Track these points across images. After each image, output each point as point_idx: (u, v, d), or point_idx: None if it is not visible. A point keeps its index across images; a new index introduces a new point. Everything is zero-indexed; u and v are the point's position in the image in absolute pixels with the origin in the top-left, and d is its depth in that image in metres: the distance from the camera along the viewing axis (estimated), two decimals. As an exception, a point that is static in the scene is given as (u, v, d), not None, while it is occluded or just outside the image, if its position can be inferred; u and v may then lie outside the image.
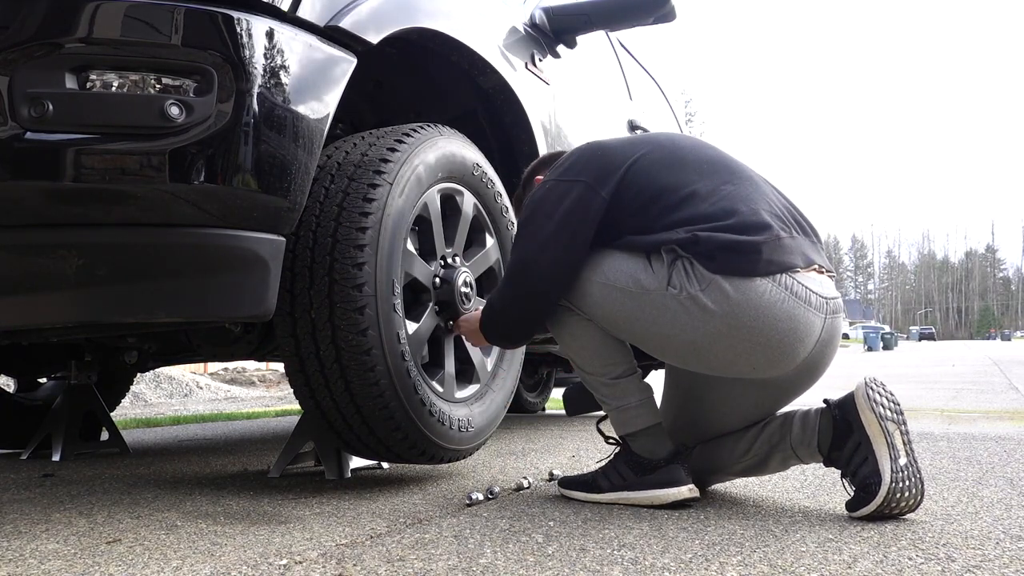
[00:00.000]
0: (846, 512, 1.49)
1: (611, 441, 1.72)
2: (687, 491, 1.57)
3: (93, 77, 1.32)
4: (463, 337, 1.91)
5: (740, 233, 1.45)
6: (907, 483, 1.43)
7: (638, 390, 1.63)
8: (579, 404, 1.81)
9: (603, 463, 1.72)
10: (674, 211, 1.52)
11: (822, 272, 1.55)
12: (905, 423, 1.49)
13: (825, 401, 1.59)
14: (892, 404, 1.50)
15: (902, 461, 1.45)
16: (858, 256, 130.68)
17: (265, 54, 1.43)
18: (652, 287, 1.50)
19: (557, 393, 5.93)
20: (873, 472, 1.45)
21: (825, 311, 1.51)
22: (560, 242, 1.55)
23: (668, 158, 1.60)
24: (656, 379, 2.36)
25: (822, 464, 1.58)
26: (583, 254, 1.57)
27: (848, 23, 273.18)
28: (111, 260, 1.37)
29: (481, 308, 1.73)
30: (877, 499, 1.42)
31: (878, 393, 1.50)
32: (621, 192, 1.56)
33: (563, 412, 4.57)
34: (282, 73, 1.47)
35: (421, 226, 1.90)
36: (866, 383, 1.51)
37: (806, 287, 1.48)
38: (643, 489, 1.59)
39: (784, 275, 1.46)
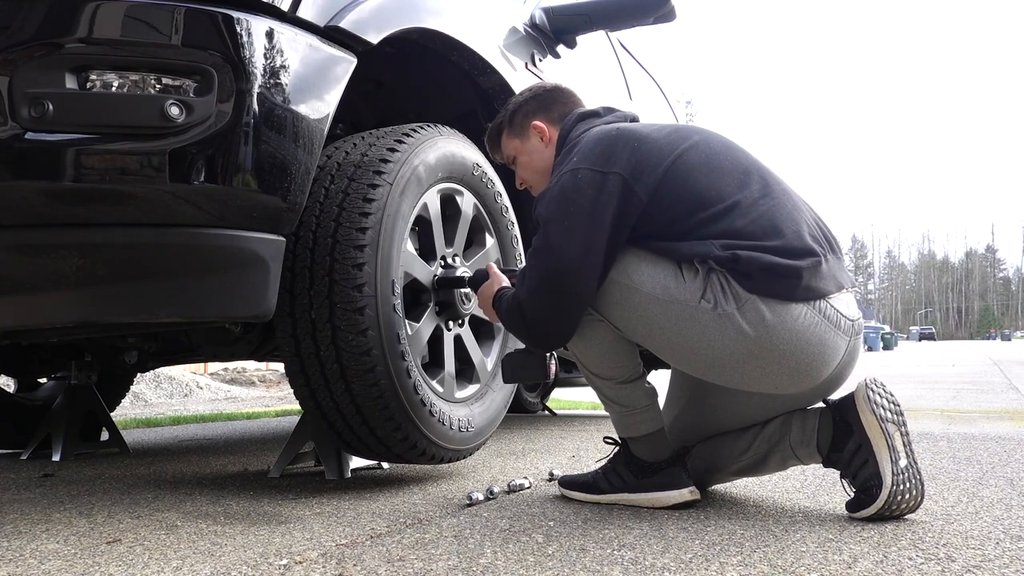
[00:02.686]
0: (846, 513, 1.49)
1: (610, 441, 1.72)
2: (688, 493, 1.56)
3: (93, 77, 1.32)
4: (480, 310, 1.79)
5: (783, 256, 1.42)
6: (907, 485, 1.43)
7: (644, 395, 1.61)
8: (518, 371, 1.73)
9: (603, 463, 1.72)
10: (711, 223, 1.47)
11: (848, 291, 1.53)
12: (905, 424, 1.49)
13: (825, 401, 1.58)
14: (892, 405, 1.50)
15: (902, 463, 1.45)
16: (858, 256, 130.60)
17: (265, 54, 1.43)
18: (682, 297, 1.46)
19: (557, 393, 5.93)
20: (874, 475, 1.44)
21: (851, 333, 1.50)
22: (600, 246, 1.47)
23: (704, 164, 1.52)
24: (658, 379, 2.35)
25: (821, 465, 1.58)
26: (617, 256, 1.51)
27: (848, 23, 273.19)
28: (111, 260, 1.37)
29: (503, 293, 1.65)
30: (878, 502, 1.42)
31: (878, 394, 1.49)
32: (660, 196, 1.48)
33: (563, 412, 4.57)
34: (282, 73, 1.47)
35: (421, 226, 1.90)
36: (866, 384, 1.50)
37: (837, 311, 1.47)
38: (644, 491, 1.59)
39: (819, 300, 1.45)
